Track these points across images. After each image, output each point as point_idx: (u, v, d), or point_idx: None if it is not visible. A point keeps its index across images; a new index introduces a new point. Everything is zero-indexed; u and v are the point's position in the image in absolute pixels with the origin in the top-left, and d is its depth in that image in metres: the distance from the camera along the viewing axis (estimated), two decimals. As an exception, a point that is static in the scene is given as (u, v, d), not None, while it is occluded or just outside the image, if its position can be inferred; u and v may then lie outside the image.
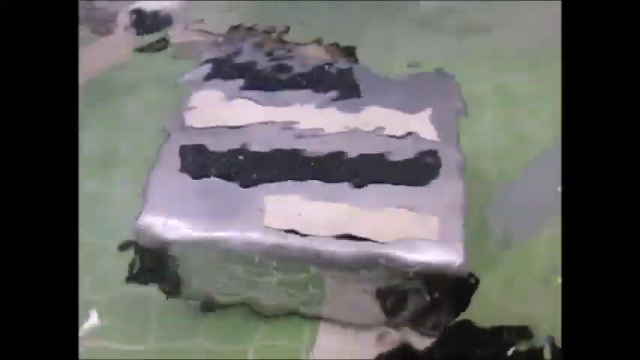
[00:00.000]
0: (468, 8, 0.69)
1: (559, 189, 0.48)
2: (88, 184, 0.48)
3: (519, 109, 0.63)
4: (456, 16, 0.68)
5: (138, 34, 0.46)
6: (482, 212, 0.54)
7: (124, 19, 0.46)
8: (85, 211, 0.45)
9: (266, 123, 0.39)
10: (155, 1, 0.46)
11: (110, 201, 0.47)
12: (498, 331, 0.39)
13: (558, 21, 0.48)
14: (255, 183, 0.36)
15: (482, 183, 0.56)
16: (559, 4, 0.43)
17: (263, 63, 0.43)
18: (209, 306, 0.43)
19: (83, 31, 0.56)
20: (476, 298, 0.43)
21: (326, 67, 0.45)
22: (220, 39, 0.46)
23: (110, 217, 0.46)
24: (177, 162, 0.36)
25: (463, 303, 0.39)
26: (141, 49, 0.50)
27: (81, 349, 0.42)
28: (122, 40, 0.48)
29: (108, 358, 0.44)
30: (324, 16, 0.58)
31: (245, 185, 0.36)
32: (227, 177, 0.36)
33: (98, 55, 0.47)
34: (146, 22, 0.45)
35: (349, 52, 0.52)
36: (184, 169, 0.35)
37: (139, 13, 0.45)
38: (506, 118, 0.62)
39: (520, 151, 0.58)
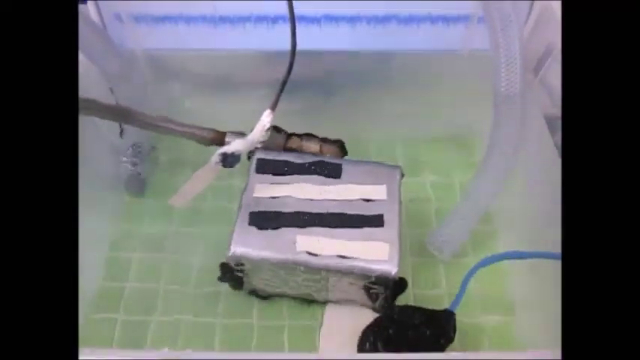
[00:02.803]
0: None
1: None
2: (203, 229, 0.73)
3: (447, 172, 0.81)
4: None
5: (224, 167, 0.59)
6: (419, 234, 0.72)
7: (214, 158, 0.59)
8: (199, 247, 0.71)
9: (294, 195, 0.60)
10: (234, 146, 0.58)
11: (213, 242, 0.71)
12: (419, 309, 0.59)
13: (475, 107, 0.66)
14: (292, 228, 0.58)
15: (419, 215, 0.76)
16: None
17: (289, 158, 0.63)
18: (260, 295, 0.65)
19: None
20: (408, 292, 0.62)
21: (324, 159, 0.64)
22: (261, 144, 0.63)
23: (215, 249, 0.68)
24: (247, 217, 0.58)
25: (399, 293, 0.60)
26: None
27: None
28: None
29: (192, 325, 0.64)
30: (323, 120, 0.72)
31: (289, 231, 0.57)
32: (276, 226, 0.57)
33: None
34: (229, 160, 0.58)
35: (341, 147, 0.68)
36: (252, 223, 0.57)
37: (224, 154, 0.58)
38: (438, 177, 0.81)
39: (447, 199, 0.77)
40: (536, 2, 0.67)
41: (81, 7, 0.66)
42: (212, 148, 0.66)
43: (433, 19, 0.73)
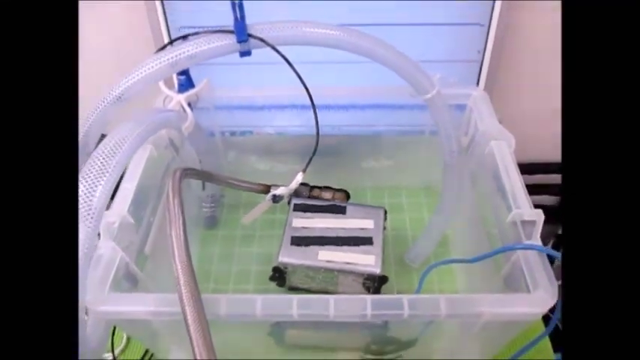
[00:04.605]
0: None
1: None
2: (255, 248, 1.03)
3: (419, 211, 1.06)
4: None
5: (273, 202, 0.87)
6: (400, 252, 0.97)
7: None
8: (253, 260, 1.00)
9: (317, 226, 0.90)
10: (279, 191, 0.87)
11: (263, 256, 1.01)
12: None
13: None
14: (316, 246, 0.85)
15: (400, 239, 1.00)
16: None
17: (313, 202, 0.93)
18: (296, 290, 0.90)
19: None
20: (389, 285, 0.85)
21: (335, 203, 0.95)
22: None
23: (265, 261, 0.99)
24: (289, 239, 0.90)
25: (382, 285, 0.82)
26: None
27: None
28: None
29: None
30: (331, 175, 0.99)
31: (315, 248, 0.85)
32: (306, 244, 0.88)
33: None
34: (276, 199, 0.86)
35: (346, 194, 0.94)
36: (292, 243, 0.89)
37: (274, 195, 0.85)
38: (413, 214, 1.06)
39: (419, 229, 0.98)
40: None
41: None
42: (261, 195, 0.98)
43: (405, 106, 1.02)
